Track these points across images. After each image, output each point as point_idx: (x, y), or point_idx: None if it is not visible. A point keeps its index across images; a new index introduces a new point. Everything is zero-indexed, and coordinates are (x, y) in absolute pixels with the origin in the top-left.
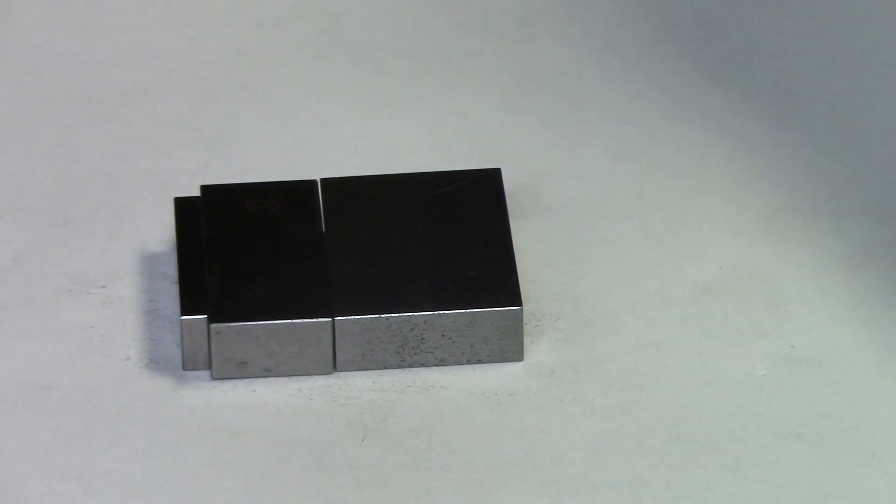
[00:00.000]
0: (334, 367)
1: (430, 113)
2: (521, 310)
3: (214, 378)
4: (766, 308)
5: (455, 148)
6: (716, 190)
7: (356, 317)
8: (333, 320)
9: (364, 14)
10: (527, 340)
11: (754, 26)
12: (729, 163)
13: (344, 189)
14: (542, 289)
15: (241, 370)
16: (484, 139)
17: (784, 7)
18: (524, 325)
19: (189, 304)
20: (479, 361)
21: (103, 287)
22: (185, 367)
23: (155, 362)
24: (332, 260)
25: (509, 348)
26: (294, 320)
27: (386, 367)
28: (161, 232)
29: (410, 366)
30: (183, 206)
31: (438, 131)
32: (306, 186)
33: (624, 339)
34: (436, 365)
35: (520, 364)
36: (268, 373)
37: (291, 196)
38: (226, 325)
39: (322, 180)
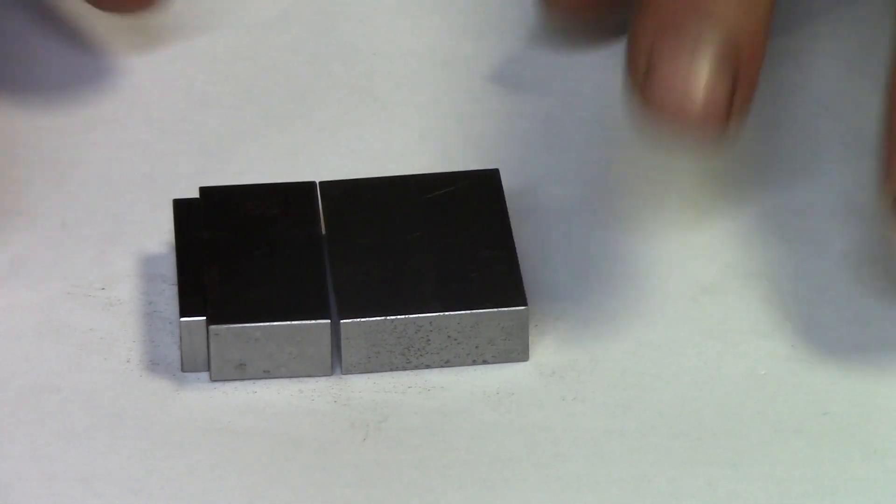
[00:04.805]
0: (332, 368)
1: (426, 115)
2: (527, 310)
3: (213, 380)
4: (766, 308)
5: (452, 150)
6: (715, 190)
7: (362, 319)
8: (339, 323)
9: (360, 16)
10: None
11: None
12: (728, 163)
13: (343, 191)
14: (542, 289)
15: (239, 372)
16: (481, 141)
17: (781, 5)
18: None
19: (188, 306)
20: (485, 362)
21: (102, 289)
22: (184, 369)
23: (155, 364)
24: (334, 262)
25: (515, 348)
26: (293, 322)
27: (392, 370)
28: (160, 234)
29: (416, 367)
30: (182, 208)
31: (435, 133)
32: (305, 188)
33: (624, 339)
34: (441, 366)
35: (521, 364)
36: (266, 374)
37: (290, 198)
38: (224, 326)
39: (321, 183)
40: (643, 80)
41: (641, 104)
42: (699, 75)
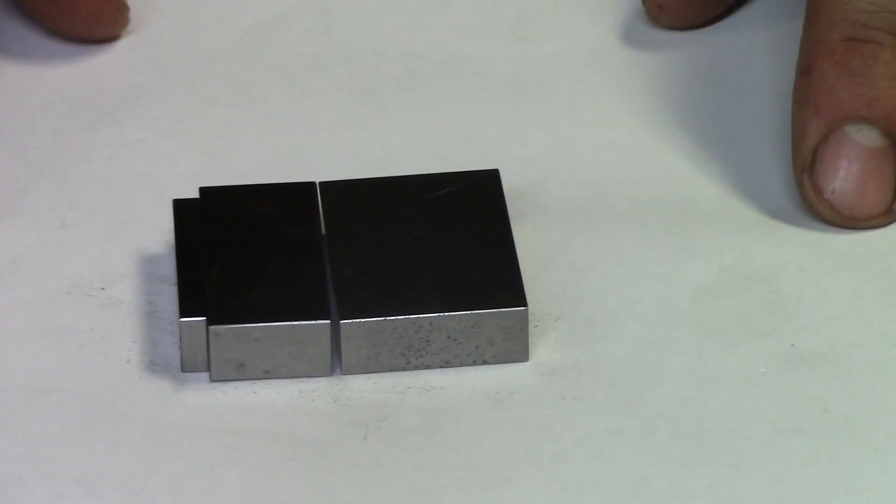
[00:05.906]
0: (332, 369)
1: (426, 116)
2: (527, 310)
3: (213, 380)
4: (766, 308)
5: (451, 151)
6: (714, 191)
7: (362, 319)
8: (339, 323)
9: (359, 16)
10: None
11: (750, 27)
12: (727, 164)
13: (343, 192)
14: (541, 289)
15: (239, 372)
16: (480, 142)
17: (780, 7)
18: None
19: (188, 306)
20: (485, 362)
21: (102, 289)
22: (184, 369)
23: (155, 364)
24: (334, 262)
25: (515, 349)
26: (293, 322)
27: (392, 370)
28: (160, 234)
29: (416, 368)
30: (182, 208)
31: (435, 134)
32: (305, 188)
33: (624, 339)
34: (441, 367)
35: (521, 364)
36: (267, 375)
37: (290, 198)
38: (225, 326)
39: (320, 183)
40: (809, 172)
41: (806, 193)
42: (863, 189)
